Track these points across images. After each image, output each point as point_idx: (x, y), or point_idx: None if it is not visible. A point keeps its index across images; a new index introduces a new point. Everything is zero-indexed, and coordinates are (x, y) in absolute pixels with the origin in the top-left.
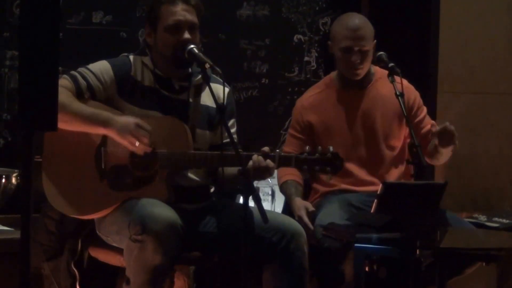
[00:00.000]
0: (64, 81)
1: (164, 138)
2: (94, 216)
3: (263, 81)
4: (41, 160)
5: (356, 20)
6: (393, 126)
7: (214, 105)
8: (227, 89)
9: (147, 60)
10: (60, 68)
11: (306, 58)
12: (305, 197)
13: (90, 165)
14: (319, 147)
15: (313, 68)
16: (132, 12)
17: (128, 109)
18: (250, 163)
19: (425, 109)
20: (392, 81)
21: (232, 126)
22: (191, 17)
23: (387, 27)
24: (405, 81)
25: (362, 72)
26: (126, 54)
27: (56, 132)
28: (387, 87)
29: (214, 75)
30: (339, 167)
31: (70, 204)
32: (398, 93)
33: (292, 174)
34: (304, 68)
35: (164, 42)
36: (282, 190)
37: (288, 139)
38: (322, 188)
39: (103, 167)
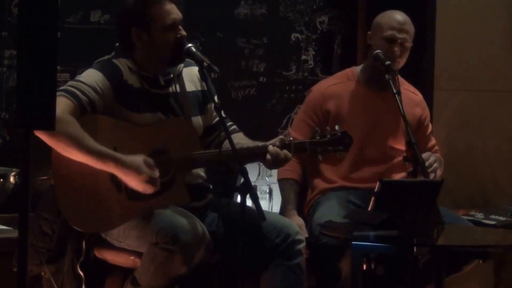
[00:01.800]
0: (64, 101)
1: (176, 141)
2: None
3: (260, 79)
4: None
5: (403, 16)
6: (404, 134)
7: (198, 88)
8: (196, 68)
9: (130, 63)
10: (58, 67)
11: (303, 57)
12: (303, 193)
13: (104, 178)
14: (327, 128)
15: (310, 66)
16: None
17: (126, 115)
18: (268, 156)
19: (430, 127)
20: (389, 79)
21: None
22: (179, 13)
23: None
24: (419, 94)
25: (398, 66)
26: (105, 59)
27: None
28: (406, 96)
29: (188, 59)
30: (350, 143)
31: (92, 221)
32: (395, 92)
33: (292, 170)
34: (301, 66)
35: (163, 41)
36: (281, 186)
37: (298, 123)
38: (322, 185)
39: (118, 178)
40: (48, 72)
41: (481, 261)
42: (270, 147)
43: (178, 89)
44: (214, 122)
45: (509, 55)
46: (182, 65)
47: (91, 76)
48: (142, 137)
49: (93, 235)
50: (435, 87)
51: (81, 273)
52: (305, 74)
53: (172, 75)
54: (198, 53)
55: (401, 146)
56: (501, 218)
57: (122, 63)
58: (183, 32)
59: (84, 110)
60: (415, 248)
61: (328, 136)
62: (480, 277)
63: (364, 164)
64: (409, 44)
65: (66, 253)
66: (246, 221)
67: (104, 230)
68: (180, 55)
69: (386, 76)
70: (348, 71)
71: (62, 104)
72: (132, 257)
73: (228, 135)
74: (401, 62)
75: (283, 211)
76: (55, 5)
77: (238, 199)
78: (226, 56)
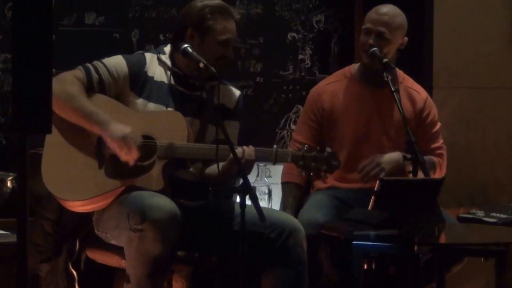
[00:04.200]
0: (77, 72)
1: (163, 130)
2: (86, 203)
3: (257, 79)
4: (41, 152)
5: (387, 8)
6: (402, 132)
7: (227, 104)
8: (239, 92)
9: (165, 58)
10: (53, 70)
11: (300, 56)
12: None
13: (91, 152)
14: (318, 147)
15: (307, 66)
16: (125, 13)
17: (136, 103)
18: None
19: (438, 126)
20: (387, 77)
21: (234, 127)
22: (236, 35)
23: None
24: (424, 92)
25: (371, 60)
26: (141, 51)
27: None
28: (405, 93)
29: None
30: (335, 167)
31: (65, 188)
32: (393, 90)
33: (294, 174)
34: (298, 66)
35: (210, 52)
36: (283, 189)
37: (299, 126)
38: (320, 185)
39: (103, 154)
40: (44, 75)
41: (482, 259)
42: (239, 149)
43: (205, 96)
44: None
45: (508, 51)
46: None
47: (113, 59)
48: (135, 120)
49: (86, 235)
50: (434, 85)
51: (74, 272)
52: (302, 73)
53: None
54: (195, 53)
55: (397, 144)
56: (502, 215)
57: (151, 57)
58: (231, 54)
59: (92, 87)
60: (416, 246)
61: (314, 152)
62: (482, 275)
63: (360, 162)
64: (390, 36)
65: (61, 252)
66: (245, 221)
67: (72, 198)
68: (216, 72)
69: (385, 74)
70: (346, 69)
71: (73, 71)
72: (117, 257)
73: (228, 139)
74: (375, 58)
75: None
76: (49, 8)
77: (238, 200)
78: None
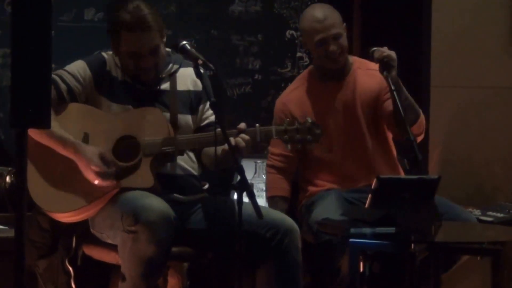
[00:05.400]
0: None
1: (144, 128)
2: (83, 212)
3: (256, 77)
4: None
5: (320, 10)
6: (375, 115)
7: (191, 89)
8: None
9: (118, 60)
10: (52, 65)
11: (298, 54)
12: (294, 199)
13: (73, 162)
14: (297, 118)
15: (305, 63)
16: None
17: (106, 105)
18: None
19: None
20: (387, 76)
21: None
22: (152, 42)
23: (378, 21)
24: (374, 66)
25: (342, 59)
26: (99, 51)
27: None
28: (366, 76)
29: (186, 60)
30: (319, 135)
31: (53, 201)
32: (393, 88)
33: (278, 187)
34: (296, 63)
35: (125, 63)
36: (269, 203)
37: (273, 141)
38: (312, 188)
39: None
40: (43, 70)
41: (479, 258)
42: (232, 139)
43: (168, 87)
44: (203, 124)
45: (506, 51)
46: (177, 65)
47: (74, 65)
48: (113, 123)
49: (83, 231)
50: (432, 84)
51: (70, 269)
52: (301, 71)
53: (163, 75)
54: (193, 50)
55: (378, 128)
56: (498, 214)
57: (110, 55)
58: (146, 63)
59: (62, 98)
60: (412, 245)
61: (296, 124)
62: (478, 274)
63: (346, 158)
64: (342, 32)
65: (58, 248)
66: (241, 218)
67: (65, 210)
68: (143, 79)
69: (384, 73)
70: (302, 74)
71: None
72: (114, 253)
73: (223, 130)
74: (344, 52)
75: None
76: (48, 3)
77: (235, 196)
78: (221, 53)
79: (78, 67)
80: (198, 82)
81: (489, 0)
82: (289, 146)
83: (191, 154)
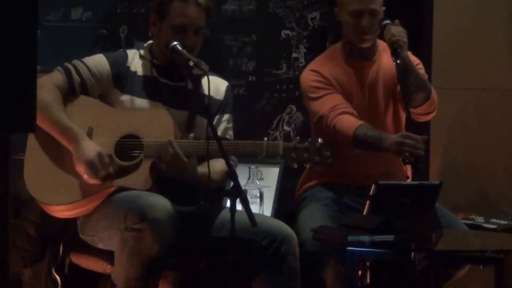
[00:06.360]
0: (57, 76)
1: (149, 128)
2: (71, 208)
3: (250, 78)
4: (23, 158)
5: None
6: (394, 97)
7: (215, 96)
8: (226, 83)
9: (144, 52)
10: (38, 67)
11: (294, 55)
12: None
13: (72, 155)
14: (309, 138)
15: (301, 64)
16: (113, 9)
17: (122, 100)
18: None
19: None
20: (395, 61)
21: (228, 121)
22: (199, 21)
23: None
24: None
25: (371, 38)
26: (123, 49)
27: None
28: (389, 59)
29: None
30: (328, 157)
31: (48, 192)
32: (401, 71)
33: (354, 121)
34: (292, 65)
35: (166, 38)
36: (359, 136)
37: (325, 98)
38: (318, 177)
39: None
40: (28, 72)
41: (481, 267)
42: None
43: (191, 86)
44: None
45: (509, 52)
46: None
47: (93, 58)
48: (120, 121)
49: (71, 239)
50: (433, 86)
51: (57, 277)
52: (296, 72)
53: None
54: (184, 51)
55: (397, 112)
56: (502, 222)
57: (132, 52)
58: (190, 40)
59: (73, 89)
60: (412, 253)
61: (306, 143)
62: (481, 284)
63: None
64: (379, 9)
65: (45, 256)
66: (235, 226)
67: (55, 202)
68: (174, 61)
69: (393, 58)
70: (329, 51)
71: (53, 76)
72: (102, 262)
73: (218, 140)
74: (375, 32)
75: (384, 142)
76: (34, 2)
77: (228, 204)
78: (213, 54)
79: (97, 61)
80: (221, 90)
81: (491, 1)
82: (295, 165)
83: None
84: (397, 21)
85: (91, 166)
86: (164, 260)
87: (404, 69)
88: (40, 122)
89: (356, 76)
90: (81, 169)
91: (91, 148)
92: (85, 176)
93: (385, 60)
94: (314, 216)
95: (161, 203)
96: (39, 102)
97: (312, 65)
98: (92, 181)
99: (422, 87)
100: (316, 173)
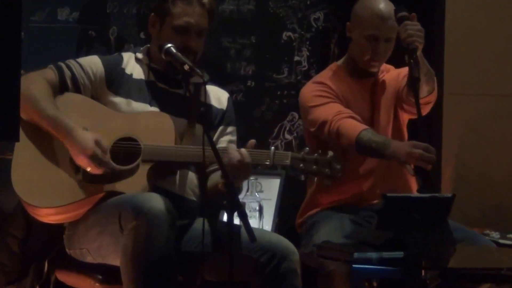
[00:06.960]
0: (48, 72)
1: (148, 132)
2: (60, 212)
3: (248, 83)
4: (10, 158)
5: (387, 7)
6: (396, 114)
7: (215, 105)
8: (227, 94)
9: (140, 55)
10: (22, 71)
11: (296, 58)
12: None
13: (66, 155)
14: (319, 150)
15: (304, 68)
16: (101, 9)
17: (115, 102)
18: (226, 159)
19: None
20: (408, 60)
21: (232, 134)
22: (203, 22)
23: None
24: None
25: (380, 64)
26: (118, 53)
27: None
28: (389, 76)
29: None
30: (338, 171)
31: (37, 194)
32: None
33: (357, 125)
34: (294, 69)
35: (167, 40)
36: (363, 140)
37: (328, 105)
38: (325, 200)
39: None
40: (11, 76)
41: (496, 286)
42: (236, 153)
43: (189, 93)
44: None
45: None
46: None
47: (87, 58)
48: (116, 122)
49: (56, 256)
50: (445, 92)
51: None
52: (298, 77)
53: (193, 81)
54: (179, 54)
55: (398, 125)
56: None
57: (128, 55)
58: (193, 42)
59: (65, 85)
60: (423, 271)
61: (316, 155)
62: None
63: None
64: (394, 38)
65: (29, 273)
66: (232, 241)
67: (45, 205)
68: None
69: (406, 59)
70: (331, 68)
71: (43, 71)
72: (89, 280)
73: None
74: (383, 62)
75: (388, 149)
76: (17, 2)
77: (225, 217)
78: (210, 57)
79: (90, 61)
80: (222, 100)
81: (505, 4)
82: (302, 177)
83: (194, 177)
84: (414, 14)
85: (94, 157)
86: (170, 257)
87: (417, 67)
88: (31, 115)
89: (360, 93)
90: (83, 162)
91: (87, 138)
92: (89, 168)
93: (387, 78)
94: (336, 232)
95: (155, 196)
96: (29, 96)
97: (315, 79)
98: (98, 171)
99: (430, 80)
100: (321, 197)
